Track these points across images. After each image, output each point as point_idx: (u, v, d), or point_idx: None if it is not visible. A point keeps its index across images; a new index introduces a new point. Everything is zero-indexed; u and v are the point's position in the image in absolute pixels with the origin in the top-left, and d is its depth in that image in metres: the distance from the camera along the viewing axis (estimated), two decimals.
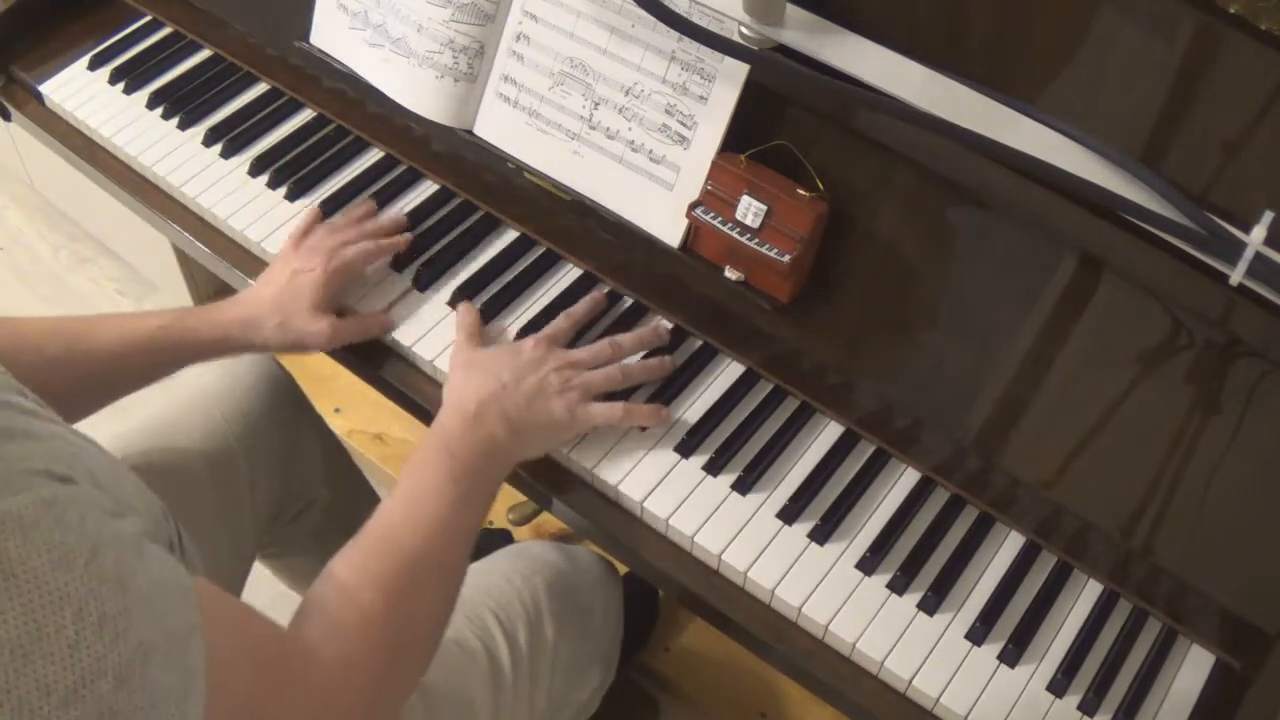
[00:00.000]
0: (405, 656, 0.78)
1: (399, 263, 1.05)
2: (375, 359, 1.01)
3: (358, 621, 0.75)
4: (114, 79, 1.21)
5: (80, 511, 0.54)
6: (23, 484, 0.53)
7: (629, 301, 1.03)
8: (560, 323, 0.97)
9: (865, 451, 0.94)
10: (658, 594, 1.45)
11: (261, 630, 0.70)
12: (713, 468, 0.92)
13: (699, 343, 1.00)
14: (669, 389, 0.96)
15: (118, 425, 1.05)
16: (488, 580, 0.98)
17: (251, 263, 1.09)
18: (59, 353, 0.90)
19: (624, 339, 0.97)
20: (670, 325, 1.00)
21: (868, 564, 0.88)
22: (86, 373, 0.92)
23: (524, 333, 1.00)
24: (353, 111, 1.15)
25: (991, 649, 0.85)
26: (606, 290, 1.02)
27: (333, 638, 0.73)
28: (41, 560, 0.51)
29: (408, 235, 1.06)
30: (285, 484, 1.14)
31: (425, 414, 0.99)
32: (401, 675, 0.78)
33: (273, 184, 1.12)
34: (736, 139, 0.92)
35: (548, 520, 1.55)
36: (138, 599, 0.55)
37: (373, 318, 1.01)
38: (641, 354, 0.98)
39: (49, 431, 0.59)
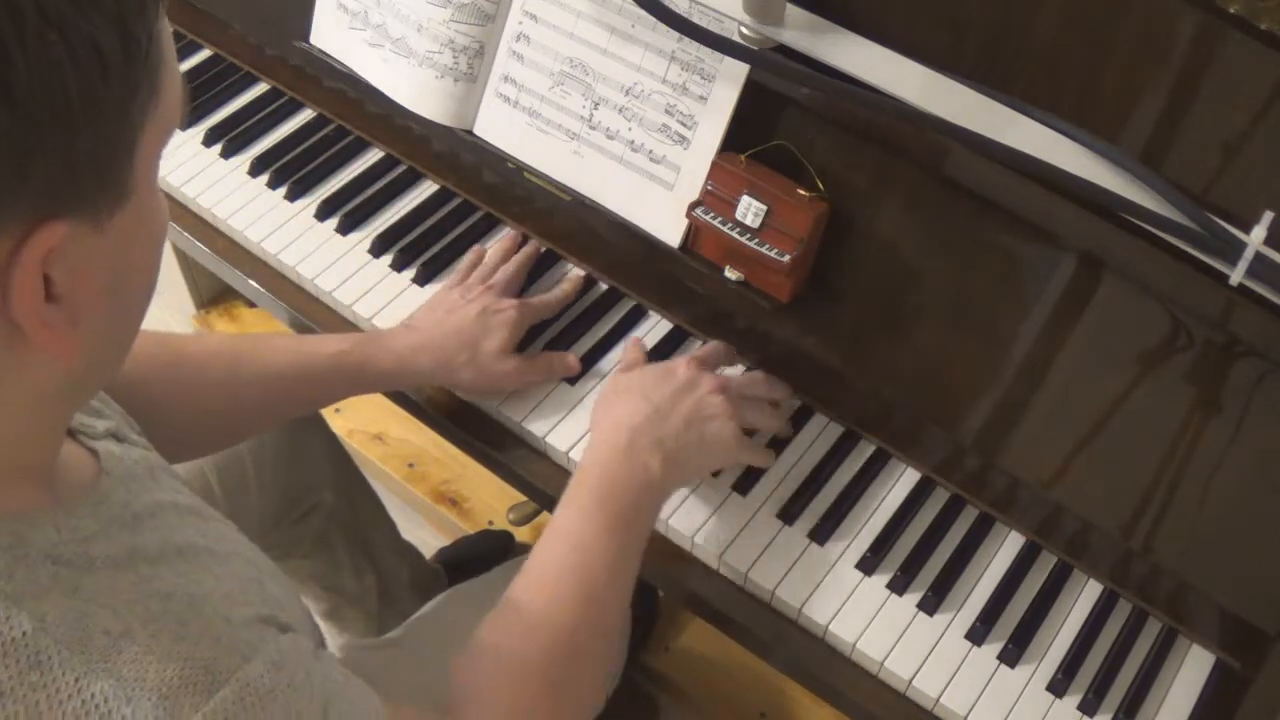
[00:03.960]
0: None
1: (399, 263, 1.05)
2: None
3: (525, 712, 0.72)
4: None
5: (305, 668, 0.55)
6: (249, 643, 0.53)
7: (629, 302, 1.03)
8: (717, 345, 0.93)
9: (865, 451, 0.94)
10: (657, 594, 1.45)
11: None
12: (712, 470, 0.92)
13: (698, 343, 1.00)
14: None
15: None
16: (496, 595, 0.98)
17: (252, 263, 1.09)
18: (222, 374, 0.87)
19: (774, 378, 0.93)
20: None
21: (868, 564, 0.88)
22: (250, 396, 0.88)
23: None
24: (353, 111, 1.15)
25: (991, 649, 0.85)
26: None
27: None
28: None
29: (575, 278, 1.03)
30: (290, 485, 1.14)
31: (424, 414, 0.99)
32: None
33: (273, 184, 1.12)
34: (736, 139, 0.92)
35: (549, 520, 1.55)
36: None
37: (558, 359, 0.96)
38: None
39: (223, 543, 0.58)
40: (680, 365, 0.88)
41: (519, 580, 0.77)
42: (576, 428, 0.94)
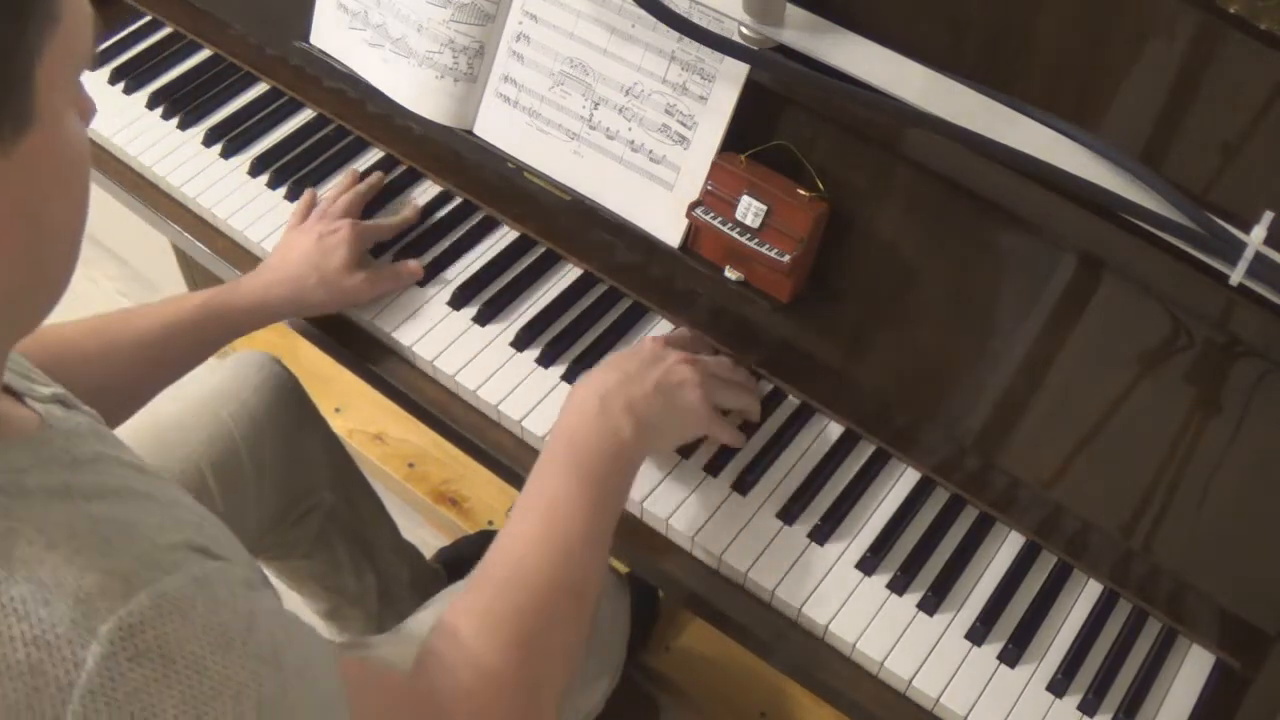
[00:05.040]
0: (542, 697, 0.73)
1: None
2: (375, 358, 1.02)
3: (487, 679, 0.70)
4: (114, 79, 1.21)
5: (230, 588, 0.54)
6: (172, 561, 0.53)
7: (629, 301, 1.03)
8: (684, 330, 0.96)
9: (865, 451, 0.94)
10: (658, 593, 1.45)
11: (398, 691, 0.68)
12: (713, 468, 0.92)
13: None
14: None
15: (122, 425, 1.05)
16: None
17: (252, 263, 1.08)
18: (100, 349, 0.90)
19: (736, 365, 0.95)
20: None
21: (868, 564, 0.88)
22: (130, 363, 0.91)
23: (525, 333, 1.00)
24: (353, 111, 1.15)
25: (991, 649, 0.85)
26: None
27: (465, 698, 0.69)
28: (200, 644, 0.51)
29: (418, 205, 1.09)
30: (289, 486, 1.14)
31: (425, 413, 1.00)
32: (539, 714, 0.73)
33: (273, 184, 1.12)
34: (736, 139, 0.92)
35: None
36: (291, 673, 0.54)
37: (404, 267, 1.03)
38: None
39: (166, 494, 0.58)
40: (649, 341, 0.91)
41: (497, 539, 0.78)
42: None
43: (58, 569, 0.49)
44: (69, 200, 0.55)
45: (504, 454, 0.96)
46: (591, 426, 0.82)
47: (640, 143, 0.96)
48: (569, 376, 0.98)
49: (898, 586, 0.87)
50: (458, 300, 1.02)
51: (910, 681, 0.83)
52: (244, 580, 0.56)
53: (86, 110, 0.58)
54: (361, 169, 1.13)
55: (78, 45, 0.52)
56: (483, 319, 1.01)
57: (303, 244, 1.00)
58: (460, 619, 0.73)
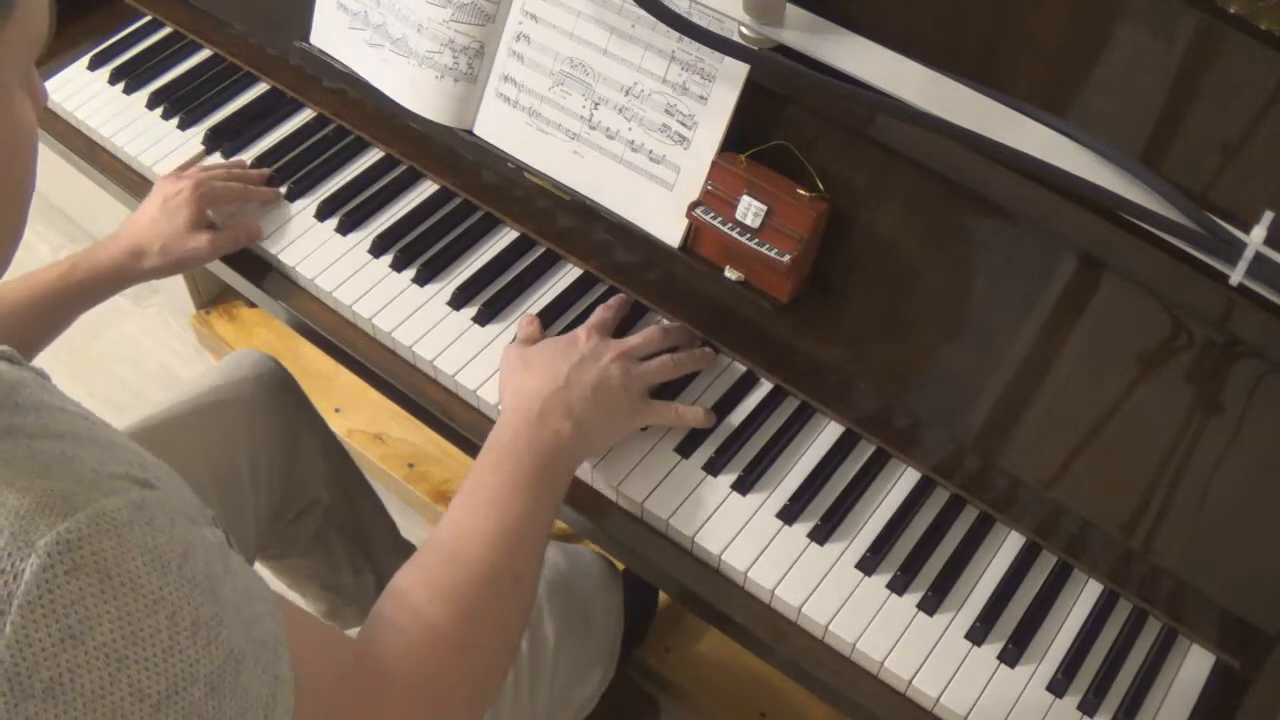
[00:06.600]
0: (480, 670, 0.76)
1: (399, 263, 1.05)
2: (376, 358, 1.02)
3: (431, 640, 0.73)
4: (114, 79, 1.21)
5: (169, 516, 0.55)
6: (111, 487, 0.54)
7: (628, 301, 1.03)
8: (604, 312, 0.97)
9: (865, 451, 0.94)
10: (656, 590, 1.45)
11: (340, 645, 0.70)
12: (712, 468, 0.92)
13: (697, 342, 1.00)
14: (669, 388, 0.96)
15: (117, 424, 1.05)
16: None
17: (252, 262, 1.08)
18: None
19: (672, 327, 0.97)
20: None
21: (868, 564, 0.88)
22: (3, 337, 0.93)
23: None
24: (353, 111, 1.15)
25: (991, 649, 0.85)
26: (605, 287, 1.03)
27: (407, 655, 0.72)
28: (136, 563, 0.52)
29: (279, 190, 1.11)
30: (286, 484, 1.14)
31: (425, 414, 1.00)
32: (477, 689, 0.76)
33: (273, 184, 1.12)
34: (736, 139, 0.92)
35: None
36: (227, 605, 0.55)
37: (242, 226, 1.06)
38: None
39: (108, 437, 0.59)
40: (581, 336, 0.93)
41: (442, 522, 0.81)
42: None
43: None
44: (18, 170, 0.58)
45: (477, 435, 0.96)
46: (532, 429, 0.86)
47: (640, 143, 0.96)
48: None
49: (898, 586, 0.87)
50: (458, 300, 1.02)
51: (910, 681, 0.83)
52: (185, 513, 0.57)
53: (37, 94, 0.60)
54: (361, 169, 1.13)
55: (32, 30, 0.54)
56: (483, 319, 1.01)
57: (150, 211, 1.04)
58: (409, 587, 0.76)
